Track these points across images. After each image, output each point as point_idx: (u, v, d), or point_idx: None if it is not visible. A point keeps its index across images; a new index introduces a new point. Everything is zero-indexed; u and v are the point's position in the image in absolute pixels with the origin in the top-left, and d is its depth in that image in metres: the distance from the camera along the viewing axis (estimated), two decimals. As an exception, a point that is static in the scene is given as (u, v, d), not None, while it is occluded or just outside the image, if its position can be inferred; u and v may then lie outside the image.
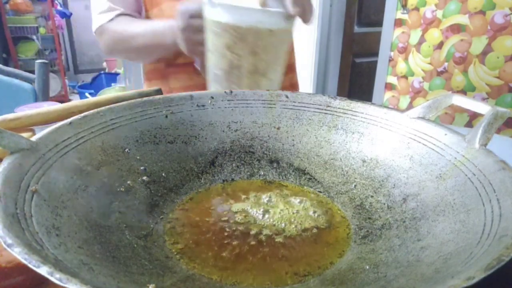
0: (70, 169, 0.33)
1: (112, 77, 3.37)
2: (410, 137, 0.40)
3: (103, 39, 0.78)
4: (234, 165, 0.47)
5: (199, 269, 0.32)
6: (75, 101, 0.45)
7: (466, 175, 0.32)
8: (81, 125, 0.37)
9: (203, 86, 0.61)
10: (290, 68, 0.82)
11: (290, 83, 0.86)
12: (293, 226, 0.37)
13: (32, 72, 1.22)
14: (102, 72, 3.55)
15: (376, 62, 1.84)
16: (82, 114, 0.39)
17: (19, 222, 0.24)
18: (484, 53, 1.31)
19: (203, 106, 0.47)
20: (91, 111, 0.40)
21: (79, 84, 3.69)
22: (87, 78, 3.73)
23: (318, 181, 0.45)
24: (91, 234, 0.30)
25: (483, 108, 0.37)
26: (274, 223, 0.38)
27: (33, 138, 0.32)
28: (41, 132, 0.34)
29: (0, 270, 0.29)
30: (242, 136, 0.48)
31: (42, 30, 3.35)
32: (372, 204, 0.39)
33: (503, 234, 0.24)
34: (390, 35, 1.71)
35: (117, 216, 0.35)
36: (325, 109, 0.47)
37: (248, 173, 0.47)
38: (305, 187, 0.45)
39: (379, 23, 1.80)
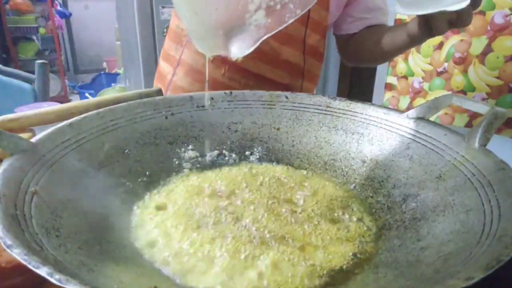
0: (70, 170, 0.33)
1: (112, 77, 3.36)
2: (410, 137, 0.40)
3: None
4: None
5: (199, 269, 0.32)
6: (75, 101, 0.45)
7: (465, 175, 0.32)
8: (81, 126, 0.37)
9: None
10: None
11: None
12: (292, 226, 0.37)
13: (32, 72, 1.22)
14: (102, 72, 3.54)
15: (376, 62, 1.83)
16: (82, 115, 0.39)
17: (19, 223, 0.24)
18: (484, 53, 1.30)
19: (203, 107, 0.47)
20: (91, 112, 0.40)
21: (79, 84, 3.68)
22: (87, 78, 3.72)
23: (318, 182, 0.45)
24: (91, 235, 0.30)
25: (483, 108, 0.37)
26: (273, 223, 0.38)
27: (33, 139, 0.32)
28: (41, 133, 0.34)
29: (0, 270, 0.29)
30: (242, 137, 0.48)
31: (42, 30, 3.35)
32: (372, 205, 0.39)
33: (502, 234, 0.24)
34: (390, 35, 1.71)
35: (117, 216, 0.35)
36: (325, 110, 0.47)
37: (248, 173, 0.47)
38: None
39: (379, 23, 1.80)
